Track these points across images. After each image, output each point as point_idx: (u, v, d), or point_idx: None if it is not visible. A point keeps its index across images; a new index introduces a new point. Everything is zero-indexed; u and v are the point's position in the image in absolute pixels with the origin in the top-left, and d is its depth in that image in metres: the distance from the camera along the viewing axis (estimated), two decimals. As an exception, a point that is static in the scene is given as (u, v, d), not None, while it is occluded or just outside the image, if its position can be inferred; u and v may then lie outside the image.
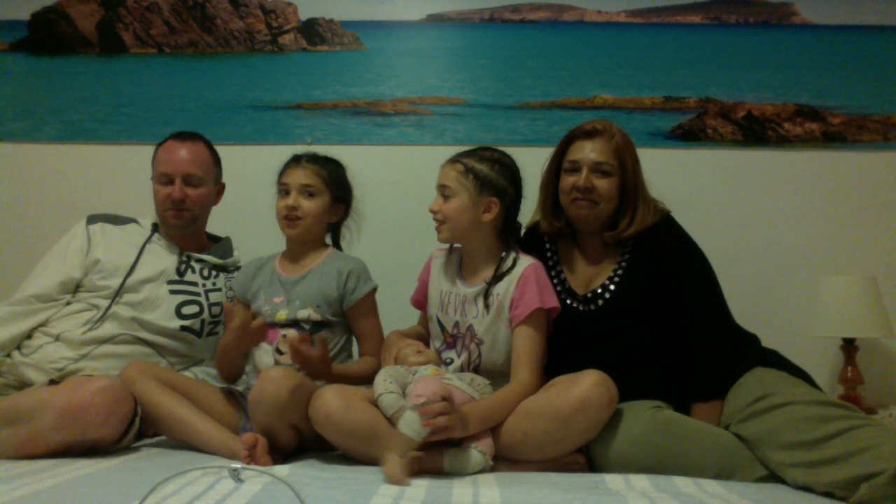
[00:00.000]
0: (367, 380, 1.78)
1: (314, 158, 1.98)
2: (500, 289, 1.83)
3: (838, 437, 1.50)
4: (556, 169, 1.99)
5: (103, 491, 1.34)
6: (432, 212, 1.86)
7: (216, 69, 2.84)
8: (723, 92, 2.76)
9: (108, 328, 2.01)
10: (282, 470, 1.56)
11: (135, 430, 1.73)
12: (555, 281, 1.96)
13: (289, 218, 1.93)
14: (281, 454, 1.70)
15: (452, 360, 1.85)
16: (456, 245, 1.93)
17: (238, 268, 2.21)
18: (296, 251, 1.99)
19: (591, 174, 1.90)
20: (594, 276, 1.96)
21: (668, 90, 2.77)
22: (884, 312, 2.40)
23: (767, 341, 1.97)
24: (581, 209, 1.92)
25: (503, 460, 1.67)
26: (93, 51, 2.84)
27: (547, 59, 2.80)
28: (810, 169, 2.69)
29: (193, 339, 2.10)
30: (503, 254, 1.87)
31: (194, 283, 2.13)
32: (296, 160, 1.98)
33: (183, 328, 2.07)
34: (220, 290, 2.16)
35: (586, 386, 1.63)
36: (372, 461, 1.64)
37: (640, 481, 1.54)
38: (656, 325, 1.89)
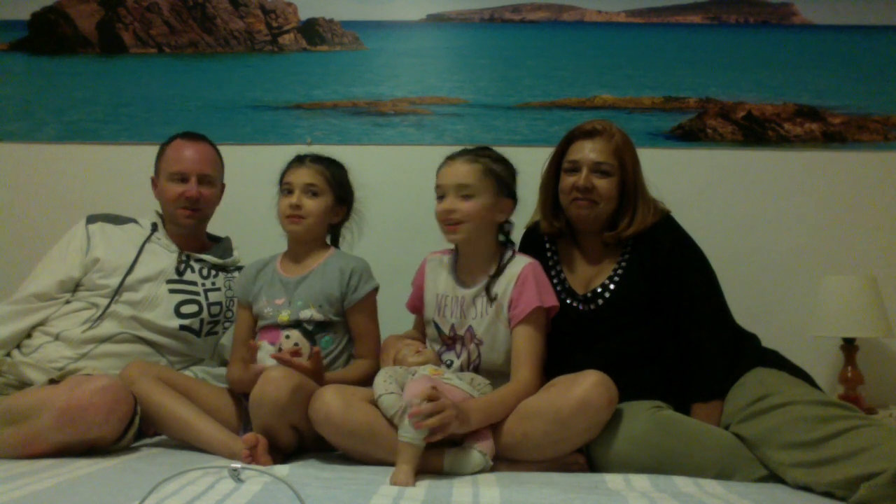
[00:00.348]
0: (361, 385, 1.78)
1: (318, 159, 1.99)
2: (498, 289, 1.83)
3: (838, 437, 1.50)
4: (555, 169, 1.99)
5: (103, 491, 1.34)
6: (448, 211, 1.81)
7: (216, 69, 2.84)
8: (723, 92, 2.76)
9: (107, 327, 2.01)
10: (282, 470, 1.56)
11: (134, 429, 1.73)
12: (555, 281, 1.96)
13: (291, 216, 1.93)
14: (281, 454, 1.70)
15: (452, 362, 1.85)
16: (450, 247, 1.93)
17: (238, 267, 2.22)
18: (297, 251, 1.99)
19: (590, 174, 1.90)
20: (594, 276, 1.96)
21: (668, 90, 2.77)
22: (884, 312, 2.40)
23: (767, 341, 1.97)
24: (581, 209, 1.92)
25: (503, 460, 1.67)
26: (93, 51, 2.84)
27: (547, 59, 2.80)
28: (810, 169, 2.69)
29: (193, 339, 2.10)
30: (502, 253, 1.87)
31: (193, 283, 2.13)
32: (299, 160, 1.98)
33: (182, 327, 2.07)
34: (219, 289, 2.16)
35: (586, 387, 1.63)
36: (372, 461, 1.64)
37: (640, 481, 1.54)
38: (656, 325, 1.89)
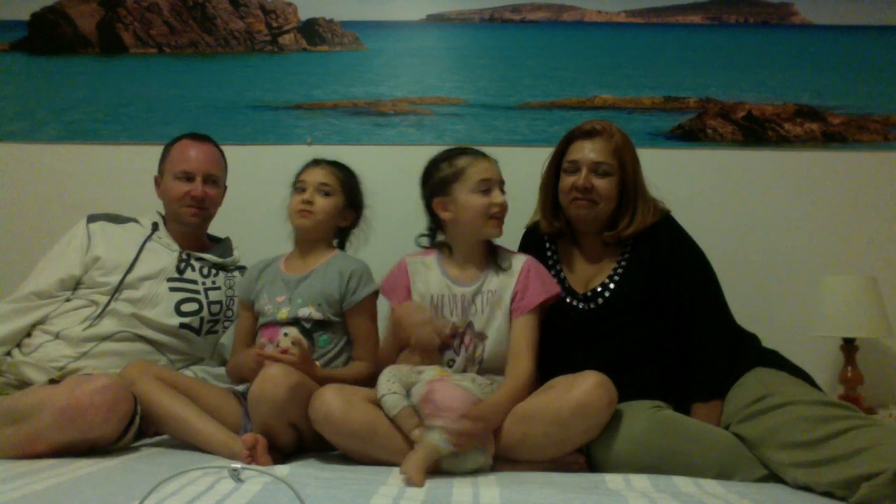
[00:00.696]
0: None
1: (333, 163, 2.05)
2: (498, 283, 1.84)
3: (838, 437, 1.50)
4: (555, 169, 2.00)
5: (103, 491, 1.34)
6: (499, 206, 1.84)
7: (216, 69, 2.84)
8: (723, 92, 2.76)
9: (107, 325, 2.01)
10: (282, 470, 1.56)
11: (135, 429, 1.73)
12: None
13: (302, 210, 1.97)
14: (281, 454, 1.70)
15: (454, 361, 1.85)
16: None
17: (238, 267, 2.24)
18: (303, 250, 2.02)
19: (590, 174, 1.91)
20: (594, 276, 1.96)
21: (668, 90, 2.77)
22: (884, 312, 2.40)
23: (767, 341, 1.98)
24: (581, 209, 1.92)
25: (503, 460, 1.67)
26: (93, 51, 2.84)
27: (547, 59, 2.80)
28: (810, 169, 2.69)
29: (193, 337, 2.11)
30: (496, 249, 1.90)
31: (194, 282, 2.13)
32: (315, 162, 2.05)
33: (182, 325, 2.08)
34: (219, 288, 2.17)
35: (585, 388, 1.63)
36: (372, 461, 1.64)
37: (640, 481, 1.54)
38: (656, 325, 1.89)
